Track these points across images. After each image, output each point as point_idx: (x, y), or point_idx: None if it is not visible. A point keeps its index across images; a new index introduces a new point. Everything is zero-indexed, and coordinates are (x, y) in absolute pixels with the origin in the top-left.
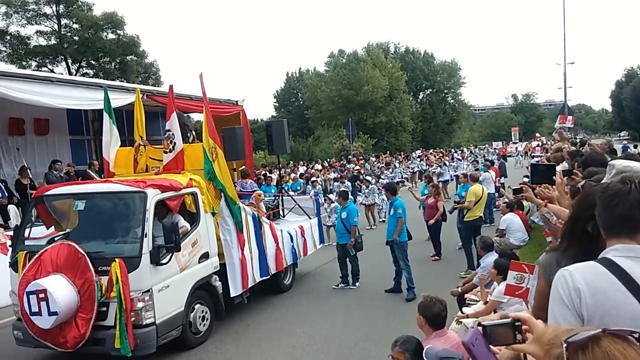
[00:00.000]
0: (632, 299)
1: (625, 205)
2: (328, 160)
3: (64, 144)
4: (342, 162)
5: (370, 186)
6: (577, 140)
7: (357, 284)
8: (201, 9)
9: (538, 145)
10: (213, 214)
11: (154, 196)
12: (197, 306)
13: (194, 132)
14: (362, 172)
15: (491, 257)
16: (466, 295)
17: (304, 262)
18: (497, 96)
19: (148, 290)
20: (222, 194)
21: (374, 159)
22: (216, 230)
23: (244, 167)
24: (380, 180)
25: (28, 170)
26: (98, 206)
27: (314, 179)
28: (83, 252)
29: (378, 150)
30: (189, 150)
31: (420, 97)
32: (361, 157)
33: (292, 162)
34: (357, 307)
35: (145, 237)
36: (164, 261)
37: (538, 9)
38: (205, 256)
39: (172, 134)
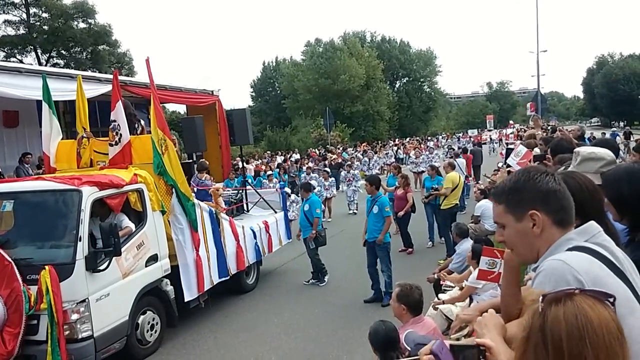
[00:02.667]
0: (620, 281)
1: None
2: (306, 149)
3: (35, 137)
4: (319, 151)
5: (330, 179)
6: (549, 127)
7: (326, 278)
8: None
9: (512, 133)
10: (163, 212)
11: (90, 195)
12: (144, 314)
13: (142, 122)
14: (341, 160)
15: (466, 244)
16: (442, 282)
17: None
18: (473, 84)
19: (84, 300)
20: (174, 190)
21: (351, 149)
22: (168, 230)
23: (202, 160)
24: (352, 171)
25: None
26: (28, 207)
27: (269, 172)
28: (10, 259)
29: (355, 139)
30: (136, 143)
31: (397, 85)
32: (339, 146)
33: (269, 152)
34: (335, 296)
35: (80, 240)
36: (102, 267)
37: None
38: (153, 259)
39: (118, 124)
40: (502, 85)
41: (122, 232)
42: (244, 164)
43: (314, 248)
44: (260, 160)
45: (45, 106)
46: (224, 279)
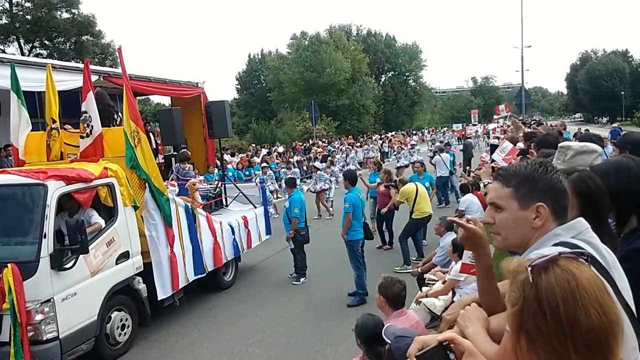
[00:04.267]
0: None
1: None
2: (291, 142)
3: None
4: (304, 144)
5: (318, 172)
6: (532, 122)
7: (303, 279)
8: None
9: (495, 127)
10: (135, 207)
11: (56, 189)
12: (115, 314)
13: (121, 115)
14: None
15: (450, 237)
16: (425, 275)
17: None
18: (458, 79)
19: (48, 300)
20: (147, 184)
21: (337, 143)
22: (140, 226)
23: (184, 150)
24: (331, 167)
25: None
26: None
27: (264, 164)
28: None
29: (341, 133)
30: (108, 135)
31: (382, 79)
32: (324, 139)
33: (254, 144)
34: (319, 290)
35: (45, 237)
36: (68, 265)
37: None
38: (124, 256)
39: (89, 116)
40: (486, 80)
41: (90, 228)
42: (222, 157)
43: (297, 247)
44: (245, 154)
45: (13, 96)
46: (200, 276)
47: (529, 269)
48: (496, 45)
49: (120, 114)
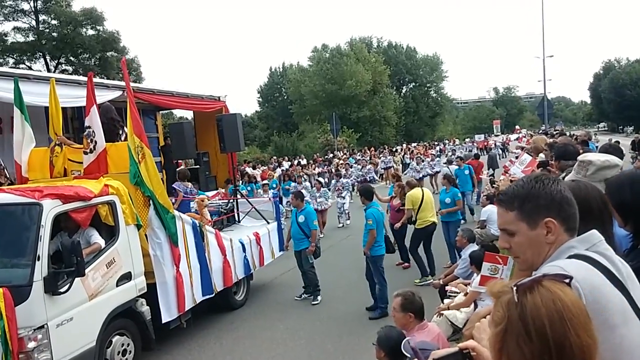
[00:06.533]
0: (617, 291)
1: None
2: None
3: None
4: (325, 156)
5: (322, 189)
6: (555, 132)
7: (319, 297)
8: (183, 4)
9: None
10: (139, 226)
11: (51, 209)
12: (115, 338)
13: (126, 130)
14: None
15: (472, 249)
16: (447, 287)
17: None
18: (479, 89)
19: (42, 326)
20: (151, 202)
21: (358, 156)
22: (144, 245)
23: (181, 167)
24: (341, 179)
25: (5, 170)
26: None
27: (265, 182)
28: None
29: (362, 144)
30: (112, 151)
31: (404, 91)
32: (345, 151)
33: (275, 157)
34: (340, 303)
35: (39, 260)
36: (63, 289)
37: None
38: (126, 277)
39: (93, 131)
40: (508, 90)
41: (89, 249)
42: (234, 172)
43: (311, 264)
44: (267, 166)
45: (16, 111)
46: (208, 296)
47: (514, 289)
48: (518, 55)
49: (126, 129)
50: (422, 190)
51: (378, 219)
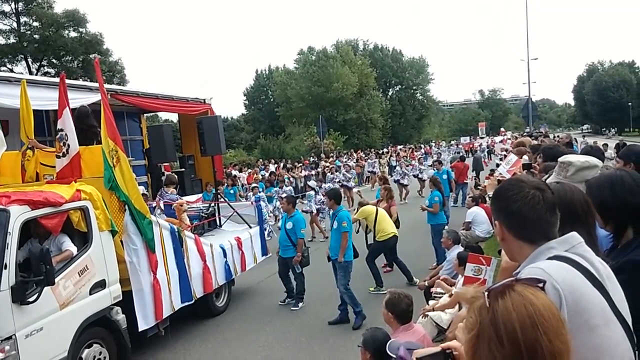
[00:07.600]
0: (596, 291)
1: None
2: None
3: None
4: (312, 159)
5: (309, 191)
6: (539, 133)
7: (301, 304)
8: (167, 6)
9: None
10: (114, 232)
11: (19, 215)
12: (89, 348)
13: None
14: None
15: (457, 250)
16: (432, 289)
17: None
18: (465, 92)
19: (10, 337)
20: (127, 207)
21: (344, 158)
22: (120, 252)
23: (168, 173)
24: (323, 185)
25: None
26: None
27: (254, 185)
28: None
29: (349, 147)
30: (86, 154)
31: (390, 93)
32: (331, 154)
33: (261, 159)
34: (326, 307)
35: (5, 268)
36: (31, 298)
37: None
38: (100, 285)
39: (65, 134)
40: (494, 92)
41: (60, 256)
42: (215, 175)
43: (300, 271)
44: (253, 169)
45: None
46: (187, 303)
47: (486, 294)
48: (503, 58)
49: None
50: (377, 207)
51: (350, 221)
